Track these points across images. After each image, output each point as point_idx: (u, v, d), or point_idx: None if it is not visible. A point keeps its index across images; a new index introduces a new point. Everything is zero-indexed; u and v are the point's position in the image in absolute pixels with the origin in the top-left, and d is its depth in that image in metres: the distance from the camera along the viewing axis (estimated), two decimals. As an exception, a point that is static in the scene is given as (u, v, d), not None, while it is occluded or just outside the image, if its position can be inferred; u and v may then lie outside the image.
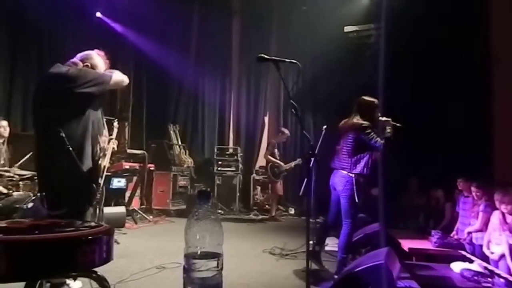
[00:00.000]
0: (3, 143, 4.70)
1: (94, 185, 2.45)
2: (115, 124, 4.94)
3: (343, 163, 3.75)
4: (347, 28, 7.84)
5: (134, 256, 4.25)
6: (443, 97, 6.30)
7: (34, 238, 1.32)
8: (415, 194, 6.22)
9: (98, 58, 2.81)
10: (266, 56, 2.72)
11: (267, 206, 8.31)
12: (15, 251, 1.28)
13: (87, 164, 2.43)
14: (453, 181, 5.10)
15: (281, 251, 4.67)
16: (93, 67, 2.72)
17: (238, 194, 8.29)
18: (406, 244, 4.48)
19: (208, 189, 1.32)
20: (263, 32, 9.29)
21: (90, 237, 1.38)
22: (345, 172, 3.69)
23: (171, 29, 9.03)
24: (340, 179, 3.70)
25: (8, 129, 4.74)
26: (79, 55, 2.77)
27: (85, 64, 2.71)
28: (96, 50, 2.84)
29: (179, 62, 9.01)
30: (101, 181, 2.56)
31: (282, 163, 7.29)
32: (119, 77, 2.70)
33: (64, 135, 2.33)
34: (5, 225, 1.51)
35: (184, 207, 7.74)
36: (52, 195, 2.37)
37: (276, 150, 7.41)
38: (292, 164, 7.31)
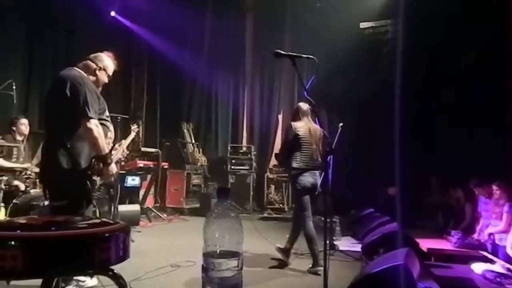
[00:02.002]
0: (22, 140, 4.77)
1: (88, 183, 2.61)
2: (134, 127, 4.98)
3: (318, 163, 4.03)
4: (363, 25, 7.75)
5: (149, 254, 4.26)
6: (464, 95, 6.18)
7: (51, 235, 1.31)
8: (435, 194, 6.11)
9: (108, 60, 2.94)
10: (282, 52, 2.69)
11: (280, 205, 8.28)
12: (32, 247, 1.27)
13: (83, 163, 2.61)
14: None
15: (296, 251, 4.61)
16: (104, 68, 2.89)
17: (251, 193, 8.27)
18: (425, 244, 4.40)
19: (228, 186, 1.29)
20: (276, 29, 9.22)
21: (107, 235, 1.36)
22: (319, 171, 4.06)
23: (185, 27, 9.04)
24: (319, 180, 4.02)
25: (28, 127, 4.82)
26: (91, 57, 2.89)
27: (98, 66, 2.85)
28: (105, 52, 2.96)
29: (192, 60, 9.03)
30: (97, 180, 2.68)
31: None
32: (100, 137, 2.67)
33: (65, 136, 2.56)
34: (23, 221, 1.50)
35: (197, 205, 7.76)
36: (52, 188, 2.61)
37: None
38: None
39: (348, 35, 7.81)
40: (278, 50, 2.68)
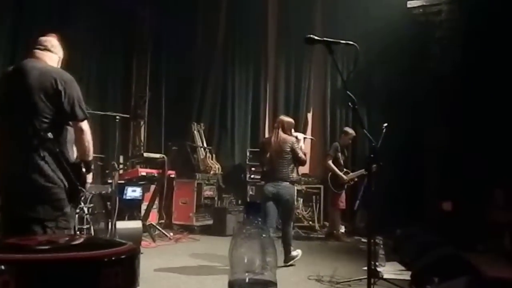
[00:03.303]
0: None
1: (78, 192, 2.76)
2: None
3: (284, 174, 5.09)
4: (411, 3, 7.65)
5: (154, 280, 4.27)
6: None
7: (48, 258, 1.32)
8: (500, 209, 5.97)
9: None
10: (316, 37, 2.67)
11: (310, 222, 8.23)
12: (25, 272, 1.27)
13: (71, 169, 2.74)
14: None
15: (330, 279, 4.56)
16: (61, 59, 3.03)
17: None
18: (489, 272, 4.29)
19: (258, 201, 1.28)
20: (305, 11, 9.21)
21: (113, 258, 1.36)
22: (287, 182, 5.08)
23: (196, 9, 9.13)
24: (286, 189, 5.08)
25: None
26: (49, 46, 2.94)
27: (59, 57, 2.99)
28: (53, 35, 3.01)
29: (205, 49, 9.09)
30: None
31: (343, 176, 7.22)
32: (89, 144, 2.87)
33: (54, 137, 2.68)
34: (15, 241, 1.52)
35: (210, 222, 7.78)
36: (29, 197, 2.68)
37: (340, 155, 7.35)
38: (355, 175, 7.24)
39: (393, 16, 7.73)
40: (311, 35, 2.67)
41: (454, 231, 5.93)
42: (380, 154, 5.49)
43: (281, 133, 5.19)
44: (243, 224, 1.30)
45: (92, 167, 2.89)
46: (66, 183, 2.67)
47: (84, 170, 2.77)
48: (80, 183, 2.74)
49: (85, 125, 2.76)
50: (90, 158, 2.82)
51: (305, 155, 5.41)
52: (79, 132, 2.74)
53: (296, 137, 5.36)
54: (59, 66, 2.96)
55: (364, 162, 7.35)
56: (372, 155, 2.69)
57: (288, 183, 5.08)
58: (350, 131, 7.42)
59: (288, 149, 5.09)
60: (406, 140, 7.84)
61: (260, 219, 1.31)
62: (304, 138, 5.74)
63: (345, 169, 7.36)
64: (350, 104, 2.66)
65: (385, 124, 6.07)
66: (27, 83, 2.68)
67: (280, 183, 5.03)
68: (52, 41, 2.96)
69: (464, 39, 6.74)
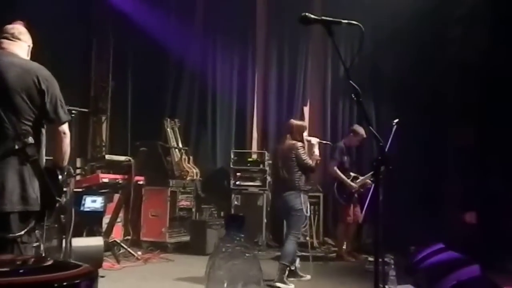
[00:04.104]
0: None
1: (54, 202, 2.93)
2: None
3: (289, 183, 5.55)
4: (427, -25, 7.72)
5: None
6: None
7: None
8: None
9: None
10: (313, 16, 2.67)
11: (307, 238, 8.21)
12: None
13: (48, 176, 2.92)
14: None
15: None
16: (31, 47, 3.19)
17: (265, 220, 8.24)
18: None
19: (241, 214, 1.28)
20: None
21: (65, 283, 1.36)
22: (293, 190, 5.51)
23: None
24: (291, 198, 5.52)
25: None
26: (16, 33, 3.08)
27: (29, 45, 3.16)
28: (19, 22, 3.16)
29: (180, 30, 9.04)
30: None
31: (352, 183, 7.24)
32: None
33: (35, 141, 2.86)
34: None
35: (187, 239, 7.77)
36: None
37: (346, 158, 7.38)
38: (366, 179, 7.24)
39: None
40: (307, 14, 2.67)
41: (480, 248, 5.97)
42: (389, 156, 5.52)
43: (288, 139, 5.71)
44: (222, 242, 1.31)
45: (65, 174, 3.05)
46: (38, 195, 2.81)
47: (60, 176, 2.94)
48: (57, 193, 2.89)
49: (66, 128, 2.94)
50: (66, 163, 2.99)
51: (317, 161, 5.73)
52: (60, 135, 2.92)
53: (309, 142, 5.79)
54: (29, 56, 3.09)
55: (371, 165, 7.42)
56: (379, 157, 2.68)
57: (294, 192, 5.52)
58: (360, 130, 7.31)
59: (293, 156, 5.54)
60: (421, 139, 7.90)
61: (243, 235, 1.32)
62: (319, 142, 5.89)
63: (352, 174, 7.38)
64: (353, 96, 2.65)
65: (396, 120, 6.12)
66: (7, 82, 2.79)
67: (286, 193, 5.54)
68: (19, 28, 3.07)
69: (492, 18, 6.78)
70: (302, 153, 5.55)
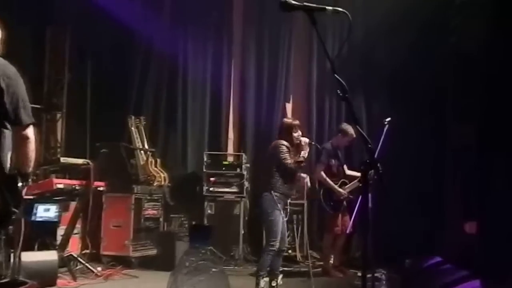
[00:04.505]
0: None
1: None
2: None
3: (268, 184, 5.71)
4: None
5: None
6: None
7: None
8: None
9: None
10: (294, 2, 2.69)
11: (289, 251, 8.22)
12: None
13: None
14: None
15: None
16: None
17: (242, 231, 8.23)
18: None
19: (207, 224, 1.29)
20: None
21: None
22: (267, 192, 5.66)
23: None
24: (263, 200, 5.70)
25: None
26: None
27: None
28: None
29: (146, 16, 8.98)
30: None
31: (340, 190, 7.25)
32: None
33: None
34: None
35: (153, 252, 7.72)
36: None
37: (334, 161, 7.39)
38: (355, 185, 7.21)
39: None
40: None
41: (481, 261, 6.04)
42: (380, 159, 5.58)
43: (276, 138, 5.96)
44: (186, 255, 1.31)
45: (30, 180, 3.08)
46: None
47: (20, 184, 2.95)
48: (14, 203, 2.90)
49: (30, 131, 2.98)
50: (30, 169, 3.05)
51: (299, 162, 5.70)
52: (22, 139, 2.96)
53: (300, 142, 5.83)
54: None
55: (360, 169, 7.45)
56: (368, 161, 2.70)
57: (268, 193, 5.66)
58: (350, 130, 7.24)
59: (274, 155, 5.74)
60: (416, 139, 7.94)
61: (209, 247, 1.32)
62: (310, 143, 5.96)
63: (342, 180, 7.38)
64: (339, 92, 2.67)
65: (388, 119, 6.16)
66: None
67: (262, 195, 5.74)
68: None
69: (493, 8, 6.86)
70: (282, 152, 5.62)
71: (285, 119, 6.29)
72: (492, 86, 6.75)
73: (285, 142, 5.72)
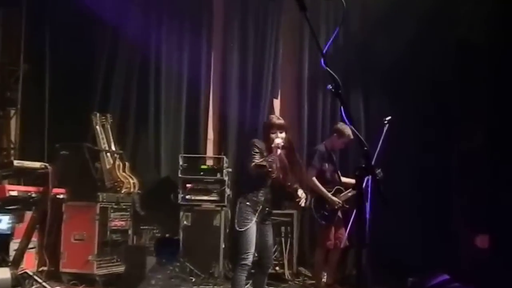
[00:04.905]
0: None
1: None
2: None
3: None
4: None
5: None
6: None
7: None
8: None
9: None
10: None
11: (276, 268, 8.23)
12: None
13: None
14: None
15: None
16: None
17: (223, 245, 8.20)
18: None
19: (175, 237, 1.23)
20: None
21: None
22: (238, 197, 5.70)
23: None
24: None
25: None
26: None
27: None
28: None
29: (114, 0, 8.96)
30: None
31: (334, 198, 7.18)
32: None
33: None
34: None
35: (121, 269, 7.61)
36: None
37: (327, 165, 7.33)
38: (350, 193, 7.18)
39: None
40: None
41: (494, 279, 6.06)
42: (378, 162, 5.58)
43: None
44: (152, 273, 1.25)
45: None
46: None
47: None
48: None
49: None
50: None
51: (260, 167, 5.46)
52: None
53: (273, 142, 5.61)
54: None
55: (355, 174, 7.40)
56: (363, 165, 2.68)
57: (239, 199, 5.69)
58: (347, 130, 7.13)
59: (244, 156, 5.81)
60: (419, 141, 7.96)
61: (178, 263, 1.27)
62: (277, 145, 5.62)
63: (337, 187, 7.32)
64: (330, 87, 2.64)
65: (388, 118, 6.15)
66: None
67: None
68: None
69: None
70: (250, 153, 5.55)
71: (269, 117, 6.23)
72: (503, 81, 6.78)
73: (259, 142, 5.65)
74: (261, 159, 5.50)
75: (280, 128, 5.67)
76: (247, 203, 5.54)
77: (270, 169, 5.48)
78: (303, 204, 5.82)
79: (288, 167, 5.71)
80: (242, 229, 5.43)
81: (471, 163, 7.22)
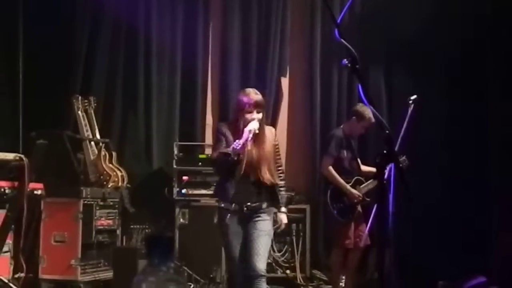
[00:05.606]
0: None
1: None
2: None
3: None
4: None
5: None
6: None
7: None
8: None
9: None
10: None
11: (288, 271, 8.29)
12: None
13: None
14: None
15: None
16: None
17: (225, 246, 8.26)
18: None
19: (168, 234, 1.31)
20: None
21: None
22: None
23: None
24: None
25: None
26: None
27: None
28: None
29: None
30: None
31: (353, 190, 7.22)
32: None
33: None
34: None
35: (108, 275, 7.72)
36: None
37: (346, 153, 7.35)
38: (371, 184, 7.27)
39: None
40: None
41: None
42: (405, 148, 5.62)
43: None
44: (143, 275, 1.33)
45: None
46: None
47: None
48: None
49: None
50: None
51: (224, 155, 5.10)
52: None
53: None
54: None
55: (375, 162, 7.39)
56: (385, 152, 2.71)
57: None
58: (367, 113, 7.10)
59: None
60: (450, 125, 7.98)
61: (172, 264, 1.35)
62: (250, 131, 5.14)
63: (356, 177, 7.36)
64: (346, 62, 2.69)
65: (414, 97, 6.19)
66: None
67: None
68: None
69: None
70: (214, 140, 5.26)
71: (243, 90, 5.50)
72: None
73: (224, 126, 5.39)
74: (235, 145, 4.99)
75: (258, 106, 5.22)
76: (222, 205, 5.30)
77: (235, 158, 5.02)
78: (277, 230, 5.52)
79: (259, 164, 5.19)
80: (223, 237, 5.28)
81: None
